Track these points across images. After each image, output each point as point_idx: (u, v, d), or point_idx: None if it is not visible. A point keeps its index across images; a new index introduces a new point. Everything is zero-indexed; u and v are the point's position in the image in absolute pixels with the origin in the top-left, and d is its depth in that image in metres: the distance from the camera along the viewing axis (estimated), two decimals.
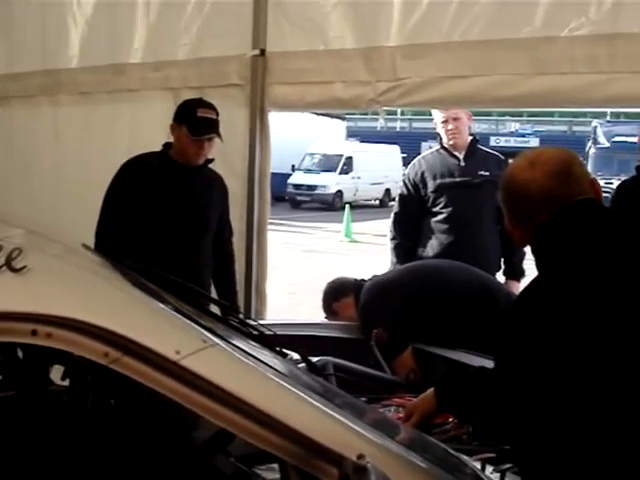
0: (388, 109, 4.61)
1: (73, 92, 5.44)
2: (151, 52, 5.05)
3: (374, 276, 3.98)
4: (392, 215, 4.86)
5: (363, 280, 3.94)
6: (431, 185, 4.67)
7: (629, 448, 1.75)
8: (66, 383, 2.67)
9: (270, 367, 1.75)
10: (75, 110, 5.44)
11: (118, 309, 1.59)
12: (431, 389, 2.42)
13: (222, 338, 1.76)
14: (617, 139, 26.43)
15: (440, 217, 4.63)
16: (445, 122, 4.72)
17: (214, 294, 4.20)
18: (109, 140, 5.22)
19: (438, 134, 4.84)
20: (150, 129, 4.87)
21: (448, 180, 4.67)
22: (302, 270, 13.41)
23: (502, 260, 4.75)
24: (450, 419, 2.58)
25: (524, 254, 4.66)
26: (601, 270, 1.87)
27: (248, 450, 2.01)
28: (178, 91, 4.79)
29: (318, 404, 1.65)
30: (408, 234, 4.72)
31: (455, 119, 4.70)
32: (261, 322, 3.20)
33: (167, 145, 4.11)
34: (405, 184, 4.81)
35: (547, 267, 1.97)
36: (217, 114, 3.99)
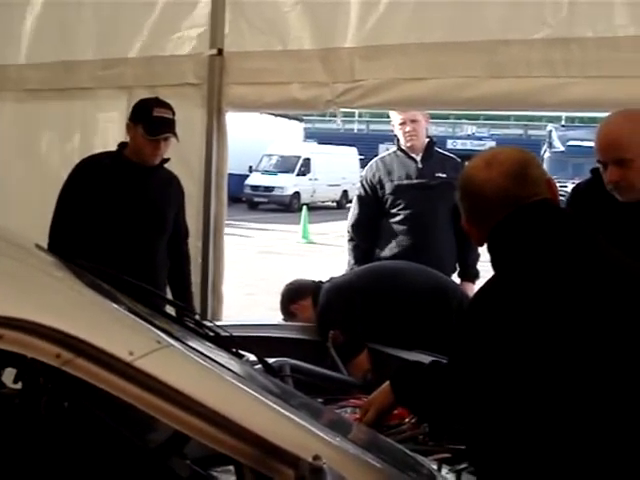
0: (346, 111, 4.62)
1: (19, 89, 5.30)
2: (103, 49, 4.97)
3: (332, 278, 3.98)
4: (350, 216, 4.86)
5: (321, 282, 3.94)
6: (388, 187, 4.69)
7: (578, 445, 1.77)
8: (19, 386, 2.63)
9: (226, 368, 1.73)
10: (23, 107, 5.32)
11: (71, 310, 1.56)
12: (386, 383, 2.43)
13: (177, 339, 1.74)
14: (572, 143, 26.77)
15: (397, 218, 4.64)
16: (403, 124, 4.73)
17: (169, 295, 4.17)
18: (60, 138, 5.13)
19: (396, 136, 4.85)
20: (103, 128, 4.81)
21: (405, 182, 4.69)
22: (259, 271, 13.38)
23: (457, 262, 4.79)
24: (406, 419, 2.58)
25: (478, 256, 4.70)
26: (555, 270, 1.89)
27: (204, 452, 1.99)
28: (131, 89, 4.74)
29: (274, 405, 1.64)
30: (366, 235, 4.72)
31: (413, 121, 4.71)
32: (217, 323, 3.18)
33: (122, 145, 4.07)
34: (363, 186, 4.81)
35: (502, 267, 1.99)
36: (173, 114, 3.96)
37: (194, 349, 1.76)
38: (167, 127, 3.92)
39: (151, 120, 3.89)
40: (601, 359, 1.79)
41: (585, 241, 1.96)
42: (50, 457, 2.35)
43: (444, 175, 4.68)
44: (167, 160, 4.07)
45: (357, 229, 4.76)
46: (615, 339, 1.81)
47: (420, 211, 4.62)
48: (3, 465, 2.33)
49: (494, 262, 2.01)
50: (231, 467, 1.70)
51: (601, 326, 1.81)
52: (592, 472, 1.77)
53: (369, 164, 4.94)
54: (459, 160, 4.93)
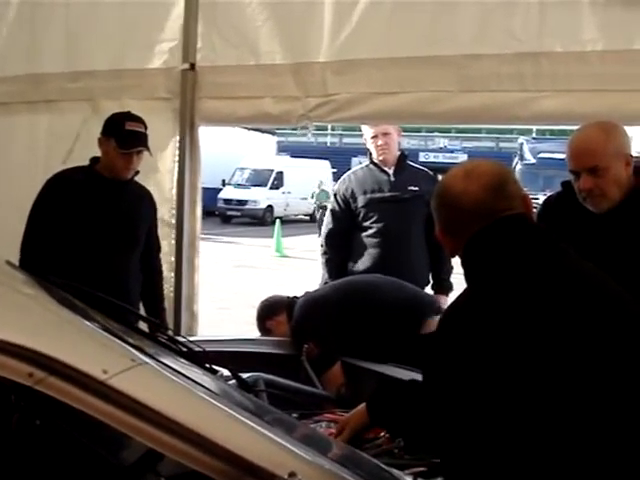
0: (319, 124, 4.64)
1: None
2: (72, 62, 4.92)
3: (307, 293, 3.98)
4: (323, 230, 4.87)
5: (295, 297, 3.93)
6: (361, 200, 4.69)
7: (556, 461, 1.77)
8: None
9: (200, 385, 1.72)
10: None
11: (43, 328, 1.54)
12: (363, 404, 2.42)
13: (151, 356, 1.73)
14: (543, 155, 26.98)
15: (370, 232, 4.66)
16: (375, 137, 4.75)
17: (142, 310, 4.14)
18: (27, 152, 5.08)
19: (368, 150, 4.87)
20: (68, 141, 4.77)
21: (378, 195, 4.70)
22: (233, 285, 13.34)
23: (430, 274, 4.80)
24: (382, 434, 2.58)
25: (452, 268, 4.71)
26: (529, 285, 1.89)
27: (178, 470, 1.98)
28: (97, 102, 4.71)
29: (248, 422, 1.63)
30: (339, 249, 4.73)
31: (385, 134, 4.73)
32: (191, 338, 3.16)
33: (94, 159, 4.05)
34: (336, 199, 4.82)
35: (475, 280, 1.99)
36: (146, 128, 3.95)
37: (168, 366, 1.75)
38: (139, 141, 3.91)
39: (123, 134, 3.88)
40: (575, 372, 1.79)
41: (558, 256, 1.97)
42: (22, 475, 2.32)
43: (416, 188, 4.70)
44: (137, 173, 4.04)
45: (330, 242, 4.77)
46: (589, 353, 1.81)
47: (393, 224, 4.64)
48: None
49: (467, 275, 2.02)
50: None
51: (574, 339, 1.82)
52: None
53: (342, 178, 4.95)
54: (432, 173, 4.96)
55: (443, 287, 4.79)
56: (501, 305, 1.87)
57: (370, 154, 4.83)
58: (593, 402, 1.78)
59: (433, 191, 2.18)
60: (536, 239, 1.98)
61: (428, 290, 4.73)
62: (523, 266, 1.92)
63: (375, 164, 4.79)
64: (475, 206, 1.99)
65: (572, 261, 1.98)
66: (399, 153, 4.83)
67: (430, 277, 4.80)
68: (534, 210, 2.36)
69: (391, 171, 4.76)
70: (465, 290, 2.00)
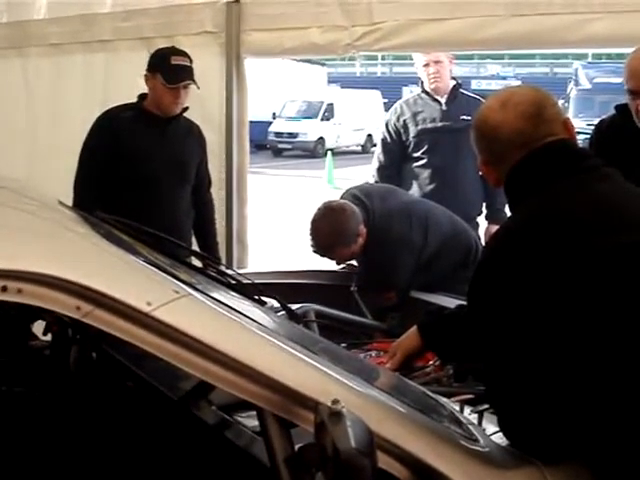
0: (368, 54, 4.60)
1: (43, 44, 5.30)
2: (121, 1, 4.95)
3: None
4: (374, 160, 4.84)
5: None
6: (412, 130, 4.66)
7: (598, 390, 1.76)
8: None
9: (245, 315, 1.75)
10: (46, 62, 5.32)
11: (88, 262, 1.57)
12: (413, 328, 2.43)
13: (197, 289, 1.76)
14: (598, 80, 26.32)
15: (422, 162, 4.63)
16: (426, 65, 4.68)
17: (195, 246, 4.20)
18: (83, 92, 5.13)
19: (420, 78, 4.80)
20: (125, 79, 4.81)
21: (430, 125, 4.65)
22: (285, 218, 13.38)
23: (485, 205, 4.76)
24: (431, 362, 2.60)
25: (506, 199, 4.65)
26: (569, 213, 1.86)
27: (230, 399, 2.02)
28: (151, 40, 4.72)
29: (294, 351, 1.66)
30: (390, 179, 4.71)
31: (436, 62, 4.66)
32: (241, 271, 3.20)
33: (142, 96, 4.07)
34: (387, 129, 4.79)
35: (518, 209, 1.97)
36: (191, 61, 3.96)
37: (214, 298, 1.77)
38: (186, 74, 3.92)
39: (170, 68, 3.90)
40: (611, 302, 1.76)
41: (601, 182, 1.93)
42: (79, 406, 2.40)
43: (469, 117, 4.62)
44: (186, 109, 4.06)
45: (381, 173, 4.75)
46: (629, 283, 1.78)
47: (444, 154, 4.59)
48: (35, 415, 2.39)
49: (511, 204, 2.00)
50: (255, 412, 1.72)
51: (611, 270, 1.78)
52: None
53: (393, 107, 4.90)
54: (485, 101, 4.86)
55: (497, 217, 4.74)
56: (542, 233, 1.85)
57: (422, 83, 4.77)
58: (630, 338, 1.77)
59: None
60: (578, 165, 1.94)
61: (481, 220, 4.71)
62: (564, 194, 1.88)
63: (427, 93, 4.73)
64: (515, 136, 1.95)
65: (617, 187, 1.94)
66: (453, 82, 4.76)
67: (484, 207, 4.76)
68: (587, 135, 2.32)
69: (443, 100, 4.70)
70: (508, 219, 1.99)
